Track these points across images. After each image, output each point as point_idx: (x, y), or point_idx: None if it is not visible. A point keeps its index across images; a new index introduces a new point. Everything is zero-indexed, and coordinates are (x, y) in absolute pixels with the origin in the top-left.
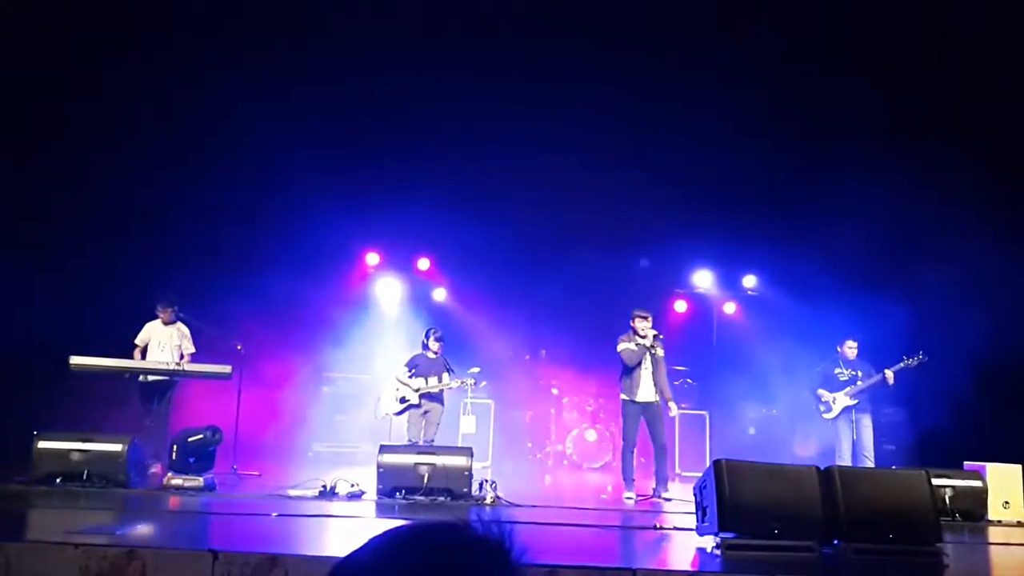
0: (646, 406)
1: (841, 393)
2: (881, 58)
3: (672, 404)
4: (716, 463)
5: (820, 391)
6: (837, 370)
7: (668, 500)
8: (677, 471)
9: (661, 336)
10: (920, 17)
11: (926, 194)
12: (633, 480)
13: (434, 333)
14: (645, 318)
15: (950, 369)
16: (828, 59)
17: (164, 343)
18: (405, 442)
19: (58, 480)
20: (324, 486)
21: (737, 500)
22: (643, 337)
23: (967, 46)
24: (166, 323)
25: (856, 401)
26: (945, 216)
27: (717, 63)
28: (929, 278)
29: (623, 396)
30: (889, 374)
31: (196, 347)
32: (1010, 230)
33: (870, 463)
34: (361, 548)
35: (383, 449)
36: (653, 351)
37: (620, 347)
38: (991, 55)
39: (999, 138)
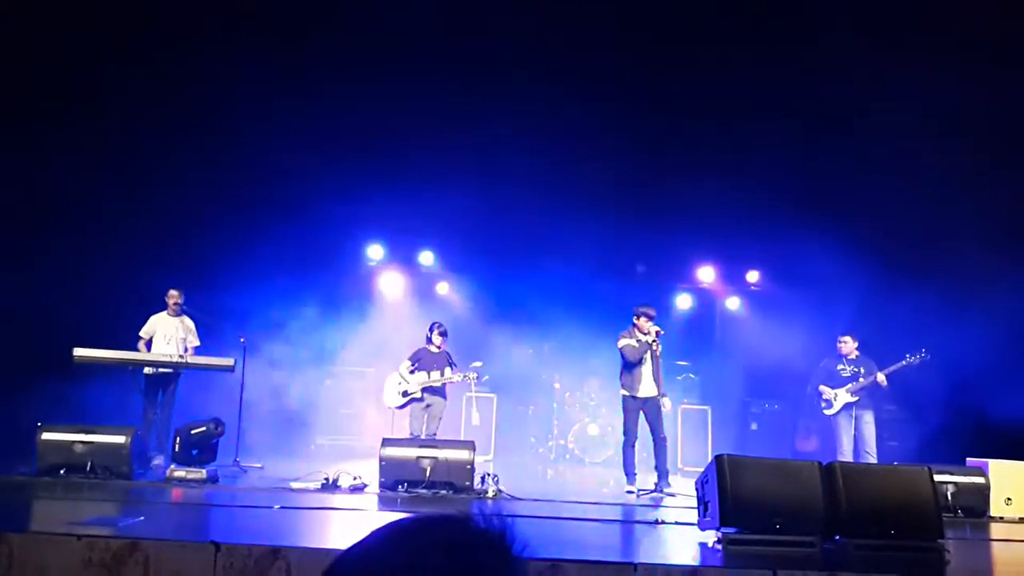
0: (646, 400)
1: (842, 389)
2: (888, 57)
3: (666, 400)
4: (718, 458)
5: (822, 387)
6: (840, 366)
7: (672, 495)
8: (679, 466)
9: (663, 333)
10: None
11: (931, 191)
12: (635, 474)
13: (437, 327)
14: (651, 316)
15: (953, 365)
16: (832, 58)
17: (170, 336)
18: (407, 436)
19: (62, 471)
20: (326, 479)
21: (739, 495)
22: (645, 334)
23: None
24: (173, 314)
25: (857, 398)
26: (950, 213)
27: (719, 57)
28: (934, 274)
29: (623, 392)
30: (881, 377)
31: (200, 340)
32: (1011, 229)
33: (872, 459)
34: (363, 541)
35: (385, 442)
36: (654, 348)
37: (621, 343)
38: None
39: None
